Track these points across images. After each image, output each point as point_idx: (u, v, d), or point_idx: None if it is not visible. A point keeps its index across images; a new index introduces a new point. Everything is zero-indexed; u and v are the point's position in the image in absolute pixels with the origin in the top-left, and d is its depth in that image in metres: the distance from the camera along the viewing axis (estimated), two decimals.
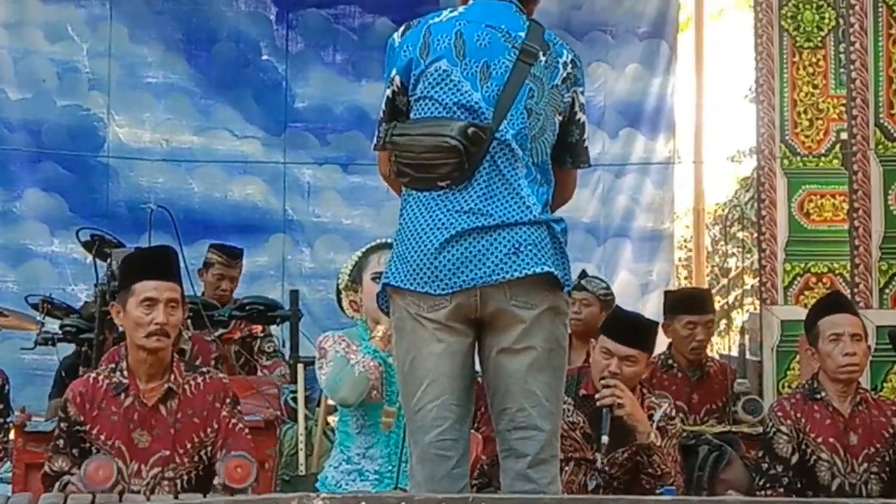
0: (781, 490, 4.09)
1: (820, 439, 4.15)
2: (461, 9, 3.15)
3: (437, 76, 3.03)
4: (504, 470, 3.05)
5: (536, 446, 3.00)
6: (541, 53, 3.06)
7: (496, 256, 2.96)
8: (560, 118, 3.10)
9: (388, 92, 3.13)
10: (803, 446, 4.14)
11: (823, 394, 4.19)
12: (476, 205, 2.98)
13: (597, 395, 4.00)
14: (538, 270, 2.98)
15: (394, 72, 3.12)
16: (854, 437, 4.17)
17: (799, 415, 4.17)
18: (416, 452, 3.03)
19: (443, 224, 2.98)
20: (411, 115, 3.09)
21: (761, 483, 4.15)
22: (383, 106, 3.15)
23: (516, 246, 2.97)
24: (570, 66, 3.11)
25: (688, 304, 5.38)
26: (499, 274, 2.96)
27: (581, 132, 3.16)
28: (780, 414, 4.18)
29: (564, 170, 3.17)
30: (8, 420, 4.67)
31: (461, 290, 2.96)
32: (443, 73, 3.03)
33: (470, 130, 2.95)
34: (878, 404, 4.31)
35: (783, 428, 4.15)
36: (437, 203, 3.00)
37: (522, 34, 3.07)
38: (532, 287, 2.98)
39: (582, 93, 3.15)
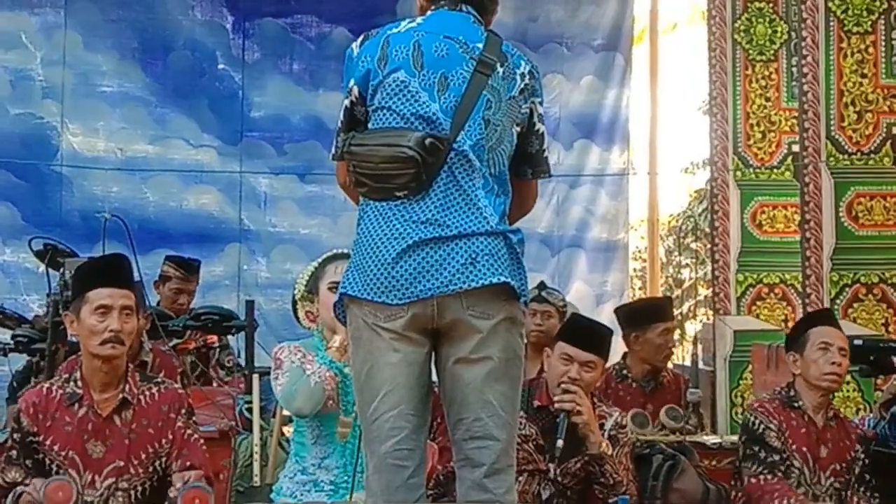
0: (780, 475, 4.13)
1: (794, 446, 4.20)
2: (419, 20, 3.16)
3: (395, 87, 3.04)
4: (460, 479, 3.06)
5: (492, 456, 3.00)
6: (498, 65, 3.07)
7: (453, 266, 2.96)
8: (518, 129, 3.11)
9: (347, 102, 3.13)
10: (783, 448, 4.19)
11: (801, 402, 4.25)
12: (433, 215, 2.99)
13: (555, 399, 4.01)
14: (494, 280, 2.98)
15: (352, 82, 3.12)
16: (824, 450, 4.24)
17: (781, 418, 4.22)
18: (373, 462, 3.03)
19: (400, 234, 2.98)
20: (369, 126, 3.09)
21: (758, 470, 4.15)
22: (341, 116, 3.15)
23: (473, 256, 2.98)
24: (527, 76, 3.12)
25: (660, 312, 5.45)
26: (455, 284, 2.96)
27: (541, 143, 3.17)
28: (765, 414, 4.23)
29: (525, 180, 3.19)
30: None
31: (418, 300, 2.96)
32: (401, 83, 3.03)
33: (427, 141, 2.96)
34: (845, 425, 4.38)
35: (772, 425, 4.20)
36: (395, 213, 3.00)
37: (480, 45, 3.08)
38: (489, 297, 2.99)
39: (540, 103, 3.16)
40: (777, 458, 4.16)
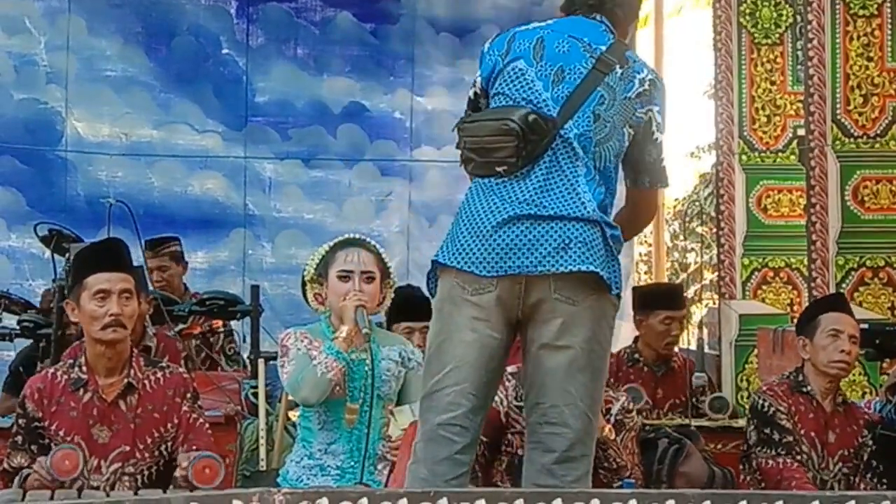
0: (801, 459, 4.12)
1: (803, 431, 4.19)
2: (550, 21, 3.27)
3: (513, 74, 3.13)
4: (530, 461, 3.10)
5: (565, 443, 3.04)
6: (618, 66, 3.13)
7: (545, 248, 3.01)
8: (631, 131, 3.15)
9: (471, 93, 3.26)
10: (793, 430, 4.18)
11: (810, 387, 4.24)
12: (532, 196, 3.05)
13: None
14: (584, 268, 3.02)
15: (478, 75, 3.23)
16: (832, 436, 4.23)
17: (790, 402, 4.21)
18: (423, 430, 3.07)
19: (497, 209, 3.05)
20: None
21: (775, 452, 4.14)
22: (466, 105, 3.27)
23: (566, 241, 3.02)
24: (647, 83, 3.17)
25: (665, 299, 5.42)
26: (545, 266, 3.01)
27: (658, 152, 3.22)
28: (774, 396, 4.22)
29: (644, 190, 3.23)
30: None
31: (507, 276, 3.02)
32: (519, 71, 3.13)
33: (531, 117, 3.03)
34: (853, 410, 4.37)
35: (781, 407, 4.19)
36: (495, 190, 3.07)
37: (603, 47, 3.15)
38: (577, 284, 3.02)
39: (659, 112, 3.20)
40: (791, 438, 4.15)
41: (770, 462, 4.14)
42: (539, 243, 3.02)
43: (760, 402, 4.25)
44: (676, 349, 6.13)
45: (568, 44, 3.14)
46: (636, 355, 5.32)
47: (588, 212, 3.05)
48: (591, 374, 3.06)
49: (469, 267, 3.03)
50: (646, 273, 10.86)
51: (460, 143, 3.14)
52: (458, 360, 3.03)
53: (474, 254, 3.03)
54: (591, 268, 3.02)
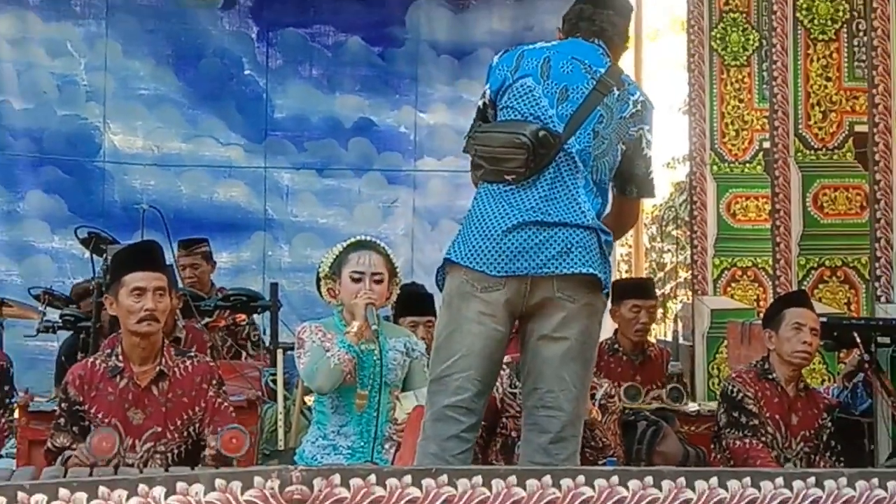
0: (766, 440, 4.11)
1: (768, 414, 4.18)
2: (554, 42, 3.26)
3: (522, 90, 3.12)
4: (527, 441, 3.12)
5: (559, 425, 3.06)
6: (615, 88, 3.14)
7: (550, 252, 3.03)
8: (624, 147, 3.16)
9: (480, 103, 3.23)
10: (759, 414, 4.17)
11: (775, 375, 4.23)
12: (538, 204, 3.05)
13: None
14: (584, 271, 3.05)
15: (487, 87, 3.20)
16: (795, 418, 4.22)
17: (757, 388, 4.20)
18: (432, 412, 3.07)
19: (507, 214, 3.04)
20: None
21: (742, 434, 4.13)
22: (475, 114, 3.24)
23: (568, 246, 3.04)
24: (639, 104, 3.18)
25: (633, 290, 5.39)
26: (549, 268, 3.03)
27: (647, 166, 3.23)
28: (743, 383, 4.21)
29: (630, 199, 3.25)
30: (12, 400, 4.62)
31: (515, 276, 3.02)
32: (527, 88, 3.12)
33: (541, 133, 3.03)
34: (814, 396, 4.36)
35: (749, 393, 4.18)
36: (505, 197, 3.06)
37: (602, 70, 3.16)
38: (577, 284, 3.05)
39: (649, 131, 3.21)
40: (757, 421, 4.14)
41: (738, 442, 4.13)
42: (544, 247, 3.03)
43: (730, 388, 4.24)
44: (654, 340, 6.14)
45: (571, 65, 3.14)
46: (616, 346, 5.30)
47: (587, 220, 3.08)
48: (583, 363, 3.10)
49: (480, 266, 3.03)
50: (626, 272, 10.84)
51: (471, 150, 3.14)
52: (467, 349, 3.04)
53: (485, 255, 3.03)
54: (590, 270, 3.06)
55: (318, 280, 3.87)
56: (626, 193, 3.22)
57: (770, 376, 4.24)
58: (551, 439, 3.05)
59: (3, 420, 4.49)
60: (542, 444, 3.06)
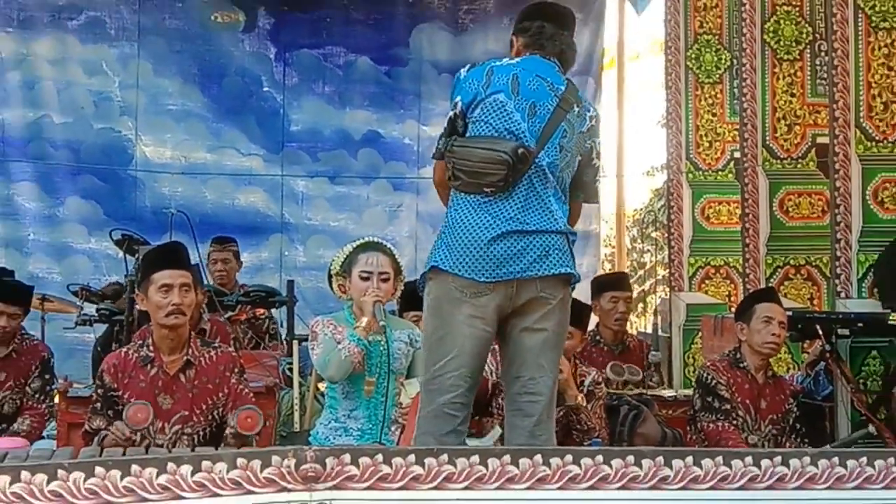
0: (736, 423, 4.11)
1: (739, 399, 4.17)
2: (517, 59, 3.20)
3: (495, 105, 3.07)
4: (512, 426, 3.12)
5: (540, 408, 3.08)
6: (575, 105, 3.14)
7: (531, 256, 3.03)
8: (579, 158, 3.17)
9: (451, 114, 3.15)
10: (731, 399, 4.17)
11: (746, 363, 4.22)
12: (516, 214, 3.04)
13: None
14: (562, 271, 3.08)
15: (458, 99, 3.14)
16: (763, 403, 4.20)
17: (729, 375, 4.19)
18: (430, 408, 3.06)
19: (490, 225, 3.02)
20: (467, 134, 3.11)
21: (715, 417, 4.12)
22: (446, 124, 3.17)
23: (547, 250, 3.05)
24: (593, 120, 3.21)
25: (611, 283, 5.38)
26: (532, 271, 3.03)
27: (595, 174, 3.26)
28: (716, 371, 4.20)
29: (576, 202, 3.25)
30: (53, 387, 4.62)
31: (502, 281, 3.02)
32: (500, 103, 3.07)
33: (520, 150, 3.01)
34: (781, 383, 4.35)
35: (722, 380, 4.17)
36: (485, 208, 3.04)
37: (563, 88, 3.14)
38: (556, 282, 3.08)
39: (599, 143, 3.25)
40: (728, 406, 4.13)
41: (711, 425, 4.12)
42: (526, 252, 3.03)
43: (704, 375, 4.23)
44: (634, 332, 6.12)
45: (537, 83, 3.11)
46: (598, 337, 5.27)
47: (560, 226, 3.09)
48: (558, 351, 3.14)
49: (469, 274, 3.01)
50: (609, 270, 10.83)
51: (448, 161, 3.09)
52: (458, 350, 3.02)
53: (473, 263, 3.01)
54: (567, 270, 3.09)
55: (330, 277, 3.86)
56: (574, 198, 3.23)
57: (741, 365, 4.23)
58: (535, 422, 3.06)
59: (44, 405, 4.49)
60: (526, 427, 3.06)
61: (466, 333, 3.03)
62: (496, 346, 3.35)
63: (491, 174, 3.01)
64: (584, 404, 3.99)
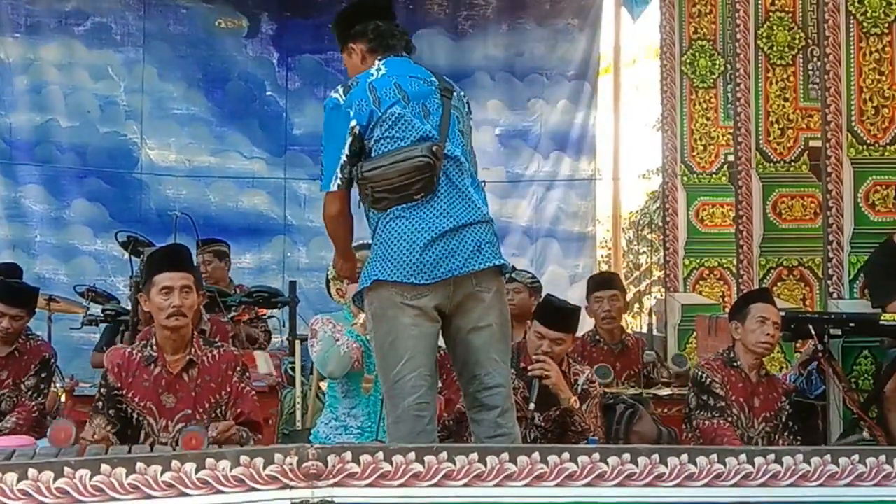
0: (731, 420, 4.09)
1: (733, 397, 4.14)
2: (383, 66, 3.09)
3: (394, 119, 3.01)
4: (477, 422, 3.10)
5: (502, 399, 3.08)
6: (452, 91, 3.13)
7: (464, 253, 3.01)
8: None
9: (349, 139, 3.02)
10: (725, 397, 4.15)
11: (739, 362, 4.20)
12: (443, 210, 3.01)
13: (529, 368, 3.96)
14: (496, 262, 3.08)
15: (354, 123, 3.02)
16: (757, 401, 4.18)
17: (723, 374, 4.18)
18: (395, 414, 3.02)
19: (423, 228, 2.99)
20: (373, 154, 3.03)
21: (710, 415, 4.09)
22: (346, 151, 3.03)
23: (479, 243, 3.04)
24: (467, 100, 3.22)
25: (595, 284, 5.34)
26: (468, 267, 3.02)
27: (473, 149, 3.21)
28: (711, 370, 4.17)
29: None
30: (49, 386, 4.56)
31: (440, 281, 2.99)
32: (398, 115, 3.01)
33: (434, 147, 2.99)
34: (774, 381, 4.33)
35: (716, 379, 4.14)
36: (415, 213, 3.00)
37: (434, 79, 3.12)
38: (489, 275, 3.07)
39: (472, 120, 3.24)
40: (723, 403, 4.12)
41: (706, 423, 4.11)
42: (459, 250, 3.01)
43: (699, 374, 4.22)
44: (631, 331, 6.11)
45: (414, 83, 3.06)
46: (597, 337, 5.25)
47: (484, 213, 3.09)
48: (505, 341, 3.15)
49: (409, 279, 2.97)
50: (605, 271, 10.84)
51: (364, 188, 3.00)
52: (411, 351, 2.99)
53: (411, 268, 2.97)
54: (499, 261, 3.10)
55: (328, 283, 3.86)
56: None
57: (735, 364, 4.22)
58: (500, 412, 3.06)
59: (34, 403, 4.37)
60: (492, 419, 3.06)
61: (415, 334, 3.00)
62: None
63: (417, 182, 2.97)
64: (578, 406, 3.97)
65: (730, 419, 4.09)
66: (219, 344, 3.75)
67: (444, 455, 2.45)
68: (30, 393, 4.41)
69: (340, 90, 3.11)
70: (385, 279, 3.00)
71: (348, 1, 3.51)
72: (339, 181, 3.05)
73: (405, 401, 2.99)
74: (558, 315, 4.06)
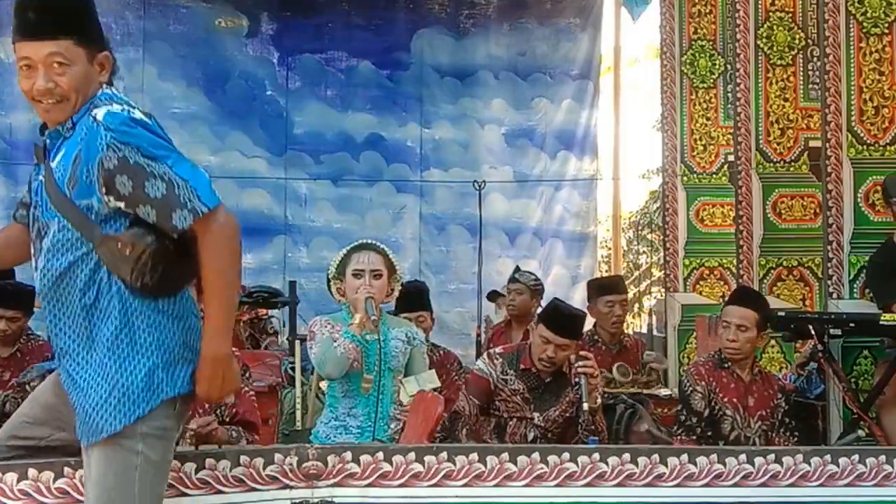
0: (694, 438, 4.08)
1: (726, 399, 4.13)
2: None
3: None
4: None
5: None
6: None
7: None
8: None
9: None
10: (713, 403, 4.13)
11: (730, 363, 4.19)
12: None
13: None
14: None
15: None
16: (751, 400, 4.17)
17: (710, 378, 4.14)
18: None
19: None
20: None
21: (678, 431, 4.09)
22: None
23: None
24: None
25: (607, 287, 5.35)
26: None
27: None
28: (696, 376, 4.15)
29: None
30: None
31: None
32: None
33: None
34: (768, 378, 4.32)
35: (698, 388, 4.11)
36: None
37: None
38: None
39: None
40: (695, 420, 4.06)
41: (676, 437, 4.09)
42: None
43: (685, 381, 4.19)
44: (630, 332, 6.11)
45: None
46: (595, 337, 5.26)
47: None
48: None
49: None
50: (606, 271, 10.83)
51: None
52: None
53: None
54: None
55: (328, 281, 3.86)
56: None
57: (725, 365, 4.20)
58: None
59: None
60: None
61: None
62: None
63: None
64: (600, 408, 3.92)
65: (693, 437, 4.04)
66: None
67: (444, 455, 2.45)
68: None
69: (148, 116, 2.38)
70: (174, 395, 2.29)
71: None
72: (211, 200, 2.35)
73: None
74: (567, 322, 4.00)
